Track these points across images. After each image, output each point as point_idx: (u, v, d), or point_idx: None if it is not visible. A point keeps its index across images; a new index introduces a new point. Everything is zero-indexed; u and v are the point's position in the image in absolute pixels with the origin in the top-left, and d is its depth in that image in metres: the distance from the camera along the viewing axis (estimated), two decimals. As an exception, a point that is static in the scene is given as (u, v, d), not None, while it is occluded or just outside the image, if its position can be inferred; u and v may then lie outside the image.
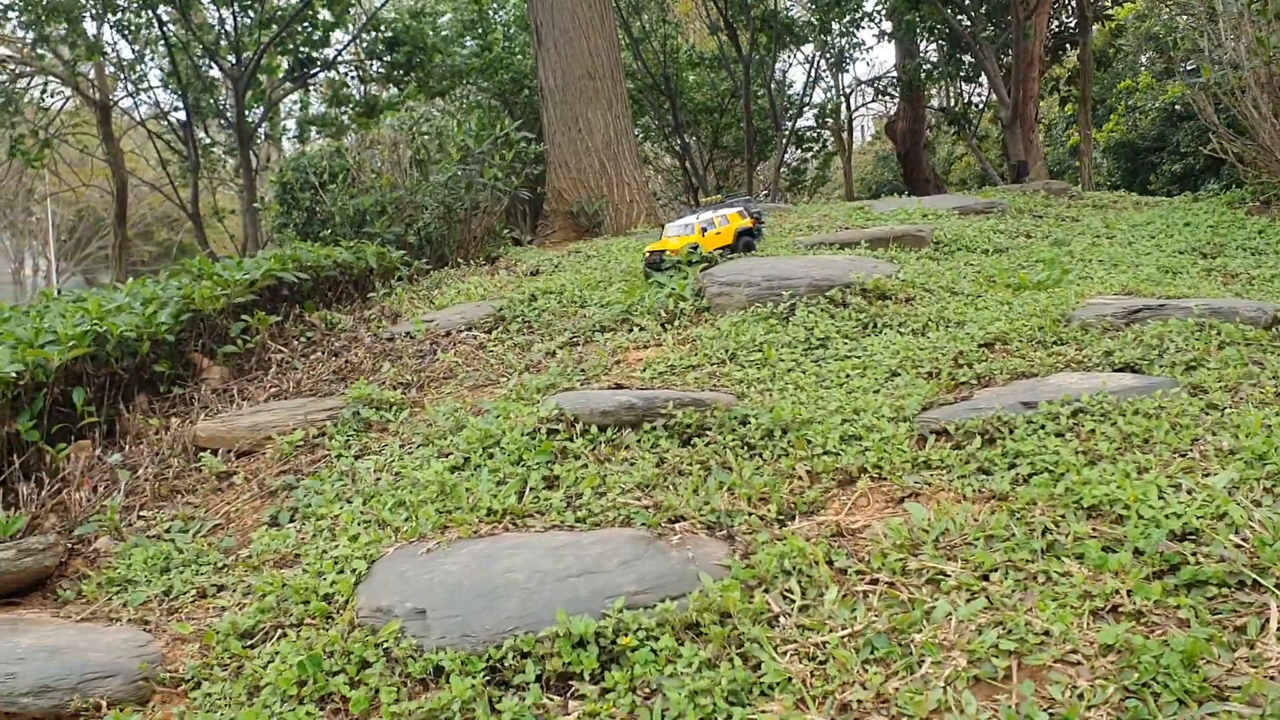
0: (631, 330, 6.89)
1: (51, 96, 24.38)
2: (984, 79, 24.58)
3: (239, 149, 21.85)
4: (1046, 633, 3.13)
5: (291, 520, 5.04)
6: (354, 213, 12.05)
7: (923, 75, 26.08)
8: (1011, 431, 4.42)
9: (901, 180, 28.60)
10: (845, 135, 34.55)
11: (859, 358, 5.63)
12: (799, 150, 32.01)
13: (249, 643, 3.95)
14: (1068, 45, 25.87)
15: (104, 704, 3.72)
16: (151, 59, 23.76)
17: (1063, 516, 3.70)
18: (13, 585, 4.69)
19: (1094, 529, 3.60)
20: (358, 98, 24.38)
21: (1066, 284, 6.78)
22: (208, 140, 25.98)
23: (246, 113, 21.53)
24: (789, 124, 29.40)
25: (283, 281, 8.77)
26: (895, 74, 29.10)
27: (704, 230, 8.25)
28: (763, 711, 3.05)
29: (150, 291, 7.79)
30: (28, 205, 39.83)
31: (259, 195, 21.43)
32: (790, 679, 3.16)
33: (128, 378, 6.93)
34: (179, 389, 7.12)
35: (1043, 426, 4.41)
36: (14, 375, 5.96)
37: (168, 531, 5.15)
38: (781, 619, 3.46)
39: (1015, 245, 8.42)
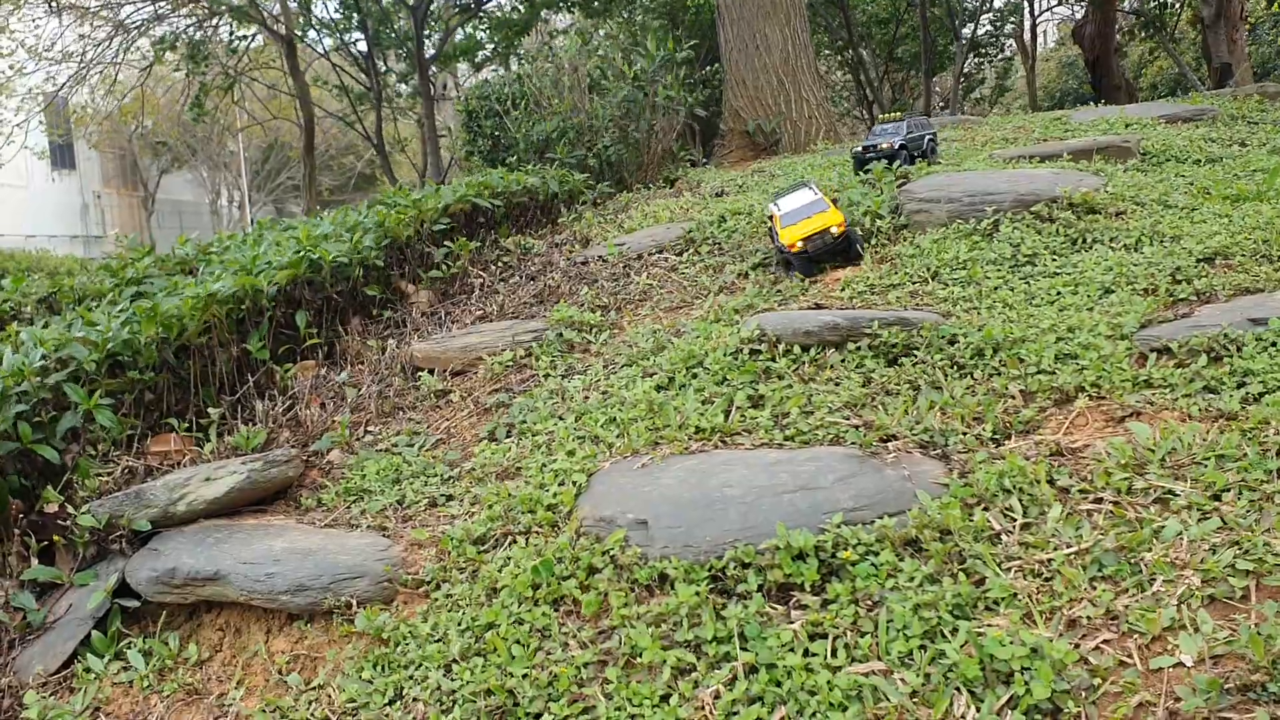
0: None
1: (239, 38, 25.38)
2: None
3: (418, 78, 22.42)
4: (1288, 554, 3.06)
5: (509, 435, 5.30)
6: (537, 139, 12.29)
7: (1114, -25, 24.43)
8: (1239, 349, 4.25)
9: (1089, 88, 27.08)
10: (1028, 42, 32.88)
11: (1069, 274, 5.47)
12: (978, 60, 30.66)
13: (482, 548, 4.23)
14: (1280, -68, 23.81)
15: (354, 603, 4.06)
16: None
17: (1301, 437, 3.58)
18: (260, 494, 5.12)
19: (1337, 450, 3.47)
20: (522, 11, 24.41)
21: (1292, 194, 6.39)
22: (385, 68, 26.70)
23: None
24: (967, 33, 28.19)
25: (477, 208, 9.08)
26: (1084, -26, 27.40)
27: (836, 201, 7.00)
28: (989, 625, 3.09)
29: (354, 220, 8.20)
30: (222, 139, 41.94)
31: (440, 123, 21.99)
32: (1015, 594, 3.19)
33: (342, 302, 7.35)
34: (389, 312, 7.51)
35: (1273, 344, 4.22)
36: (232, 294, 6.41)
37: (395, 445, 5.50)
38: (1003, 536, 3.48)
39: (1230, 155, 7.94)
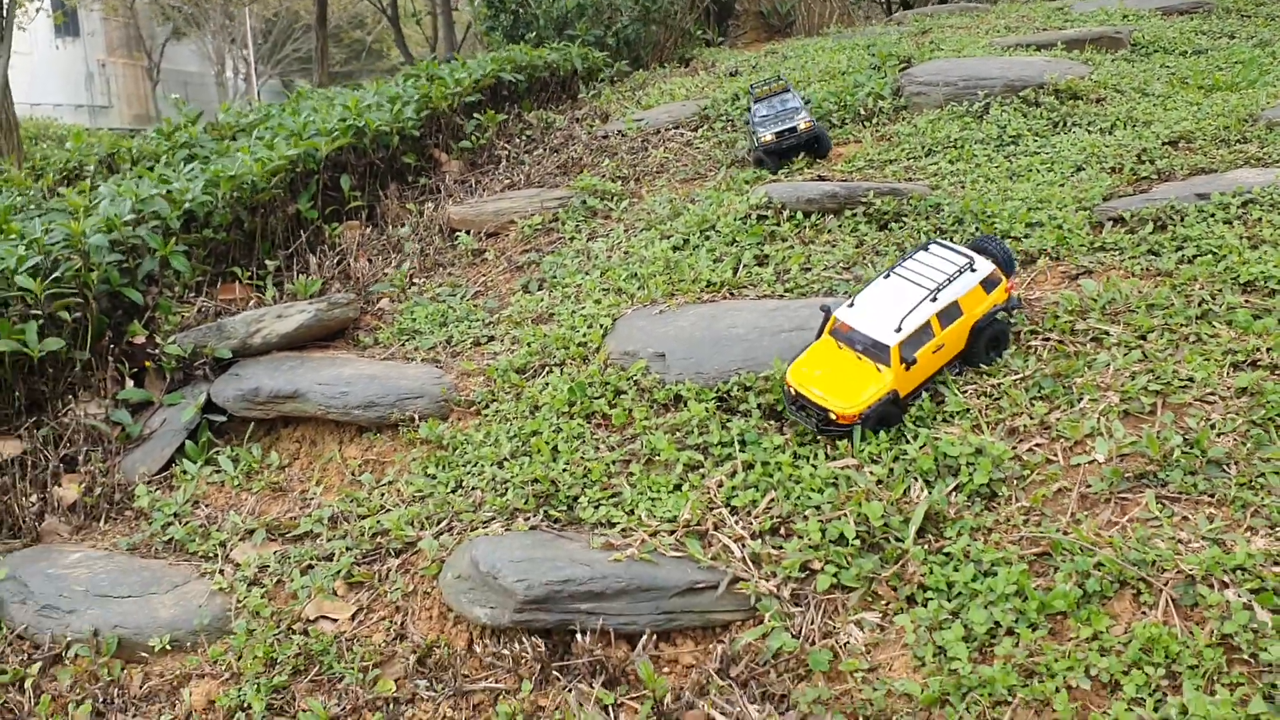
0: (832, 127, 7.43)
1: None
2: None
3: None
4: (1190, 379, 3.75)
5: (540, 288, 5.97)
6: (557, 15, 12.66)
7: None
8: (1183, 219, 4.88)
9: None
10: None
11: (1047, 154, 6.06)
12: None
13: (524, 376, 4.94)
14: None
15: (416, 417, 4.79)
16: None
17: (1219, 290, 4.23)
18: (324, 331, 5.82)
19: (1246, 300, 4.13)
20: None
21: (1262, 85, 6.92)
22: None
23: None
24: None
25: (502, 82, 9.58)
26: None
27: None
28: (945, 432, 3.80)
29: (394, 91, 8.73)
30: (228, 9, 41.55)
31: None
32: (968, 410, 3.90)
33: (382, 167, 7.95)
34: (424, 179, 8.11)
35: (1212, 215, 4.85)
36: (291, 158, 7.02)
37: (439, 295, 6.18)
38: (963, 366, 4.17)
39: (1216, 47, 8.40)
